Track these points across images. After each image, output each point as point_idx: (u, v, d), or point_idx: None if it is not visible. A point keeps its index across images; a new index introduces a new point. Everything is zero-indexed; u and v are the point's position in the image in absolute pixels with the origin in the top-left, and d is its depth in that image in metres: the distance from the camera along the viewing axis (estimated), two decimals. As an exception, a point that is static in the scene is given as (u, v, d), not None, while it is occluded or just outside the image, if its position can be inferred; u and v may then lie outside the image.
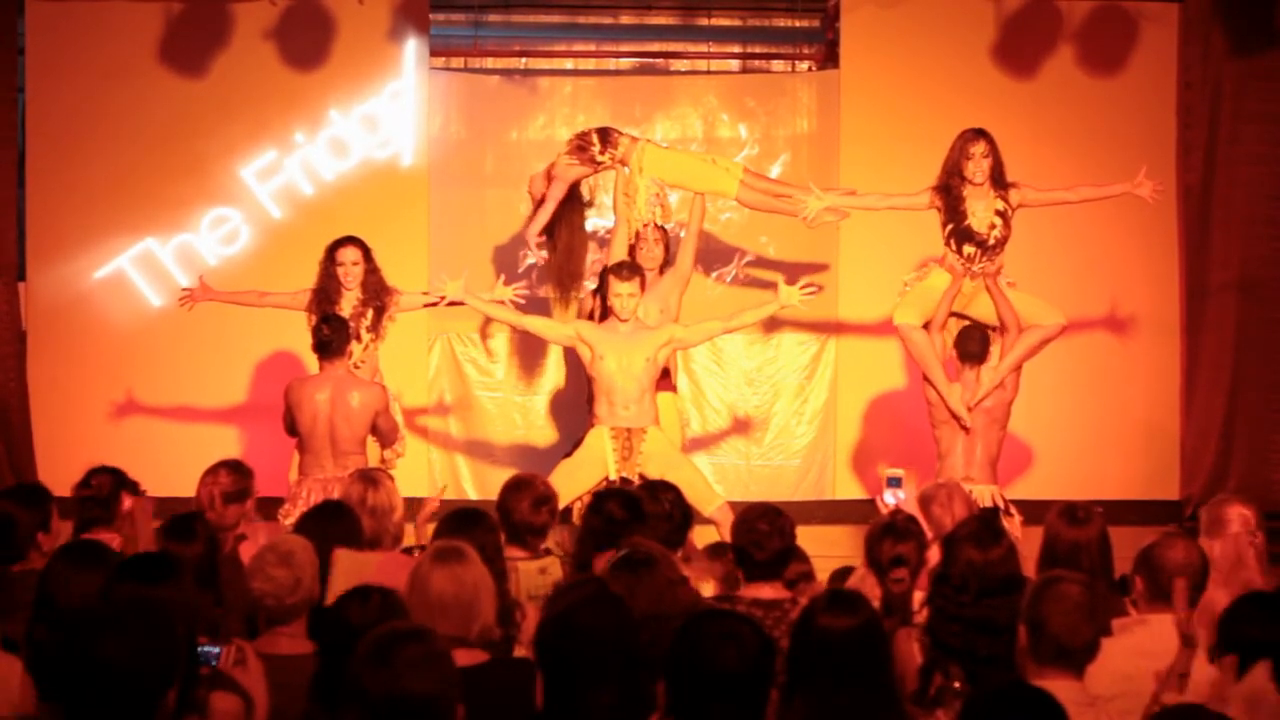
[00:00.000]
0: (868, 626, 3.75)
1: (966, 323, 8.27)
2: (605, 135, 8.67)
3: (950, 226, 8.19)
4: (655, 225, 8.61)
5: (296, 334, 8.39)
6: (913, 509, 5.78)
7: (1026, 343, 8.14)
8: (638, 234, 8.57)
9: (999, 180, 8.19)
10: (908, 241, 9.87)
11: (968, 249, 8.14)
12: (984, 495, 7.78)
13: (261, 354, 10.06)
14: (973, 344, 8.05)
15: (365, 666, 3.22)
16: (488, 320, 9.93)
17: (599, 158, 8.60)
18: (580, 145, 8.64)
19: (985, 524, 4.58)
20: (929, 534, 5.45)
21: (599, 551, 5.05)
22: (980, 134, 8.20)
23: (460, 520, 5.03)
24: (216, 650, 3.86)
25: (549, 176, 8.72)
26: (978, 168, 8.13)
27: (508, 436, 10.41)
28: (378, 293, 8.21)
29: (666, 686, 3.40)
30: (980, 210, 8.14)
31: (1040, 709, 3.21)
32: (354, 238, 8.27)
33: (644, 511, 5.39)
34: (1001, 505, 7.81)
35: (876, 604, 4.82)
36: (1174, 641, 4.31)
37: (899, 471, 6.01)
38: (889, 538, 5.13)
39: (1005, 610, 4.21)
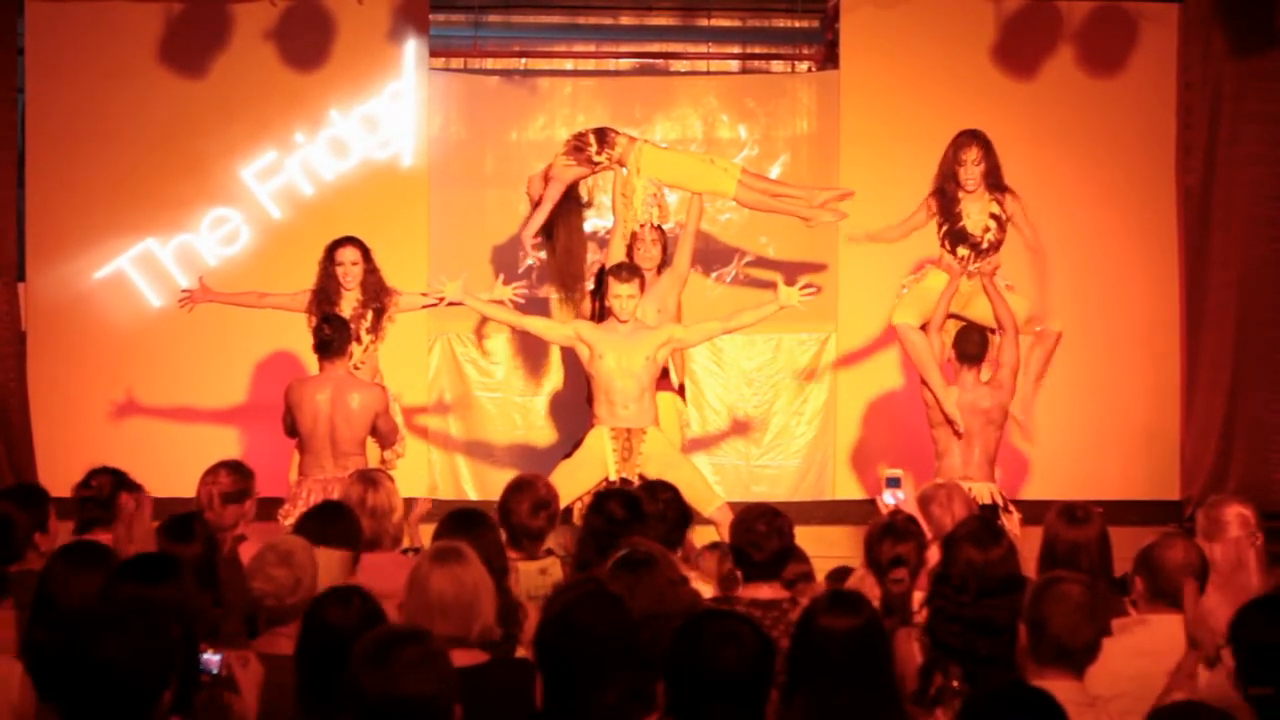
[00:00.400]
0: (869, 627, 3.75)
1: (965, 323, 8.27)
2: (602, 136, 8.66)
3: (945, 228, 8.22)
4: (653, 225, 8.60)
5: (296, 334, 8.39)
6: (912, 509, 5.78)
7: (1037, 359, 8.20)
8: (634, 234, 8.57)
9: (995, 183, 8.20)
10: (906, 243, 9.86)
11: (961, 250, 8.17)
12: (983, 493, 7.79)
13: (262, 354, 10.06)
14: (971, 345, 8.05)
15: (363, 668, 3.22)
16: (483, 321, 9.93)
17: (596, 158, 8.59)
18: (577, 146, 8.63)
19: (985, 524, 4.59)
20: (928, 534, 5.45)
21: (602, 554, 5.02)
22: (974, 138, 8.21)
23: (460, 520, 5.03)
24: (218, 658, 3.87)
25: (546, 178, 8.71)
26: (969, 174, 8.16)
27: (508, 437, 10.40)
28: (377, 294, 8.21)
29: (666, 686, 3.40)
30: (975, 213, 8.17)
31: (1040, 709, 3.21)
32: (353, 238, 8.28)
33: (644, 512, 5.39)
34: (1000, 503, 7.81)
35: (876, 604, 4.82)
36: (1174, 641, 4.31)
37: (898, 472, 6.01)
38: (888, 538, 5.13)
39: (1005, 610, 4.21)
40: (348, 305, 8.15)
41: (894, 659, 4.09)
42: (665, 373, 8.26)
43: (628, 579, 4.28)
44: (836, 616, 3.73)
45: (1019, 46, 10.22)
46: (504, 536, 5.31)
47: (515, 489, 5.62)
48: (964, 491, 6.23)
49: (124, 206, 10.14)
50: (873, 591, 5.00)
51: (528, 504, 5.53)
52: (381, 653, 3.23)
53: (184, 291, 8.68)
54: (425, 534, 6.69)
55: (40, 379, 10.10)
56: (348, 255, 8.19)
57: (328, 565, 4.67)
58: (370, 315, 8.19)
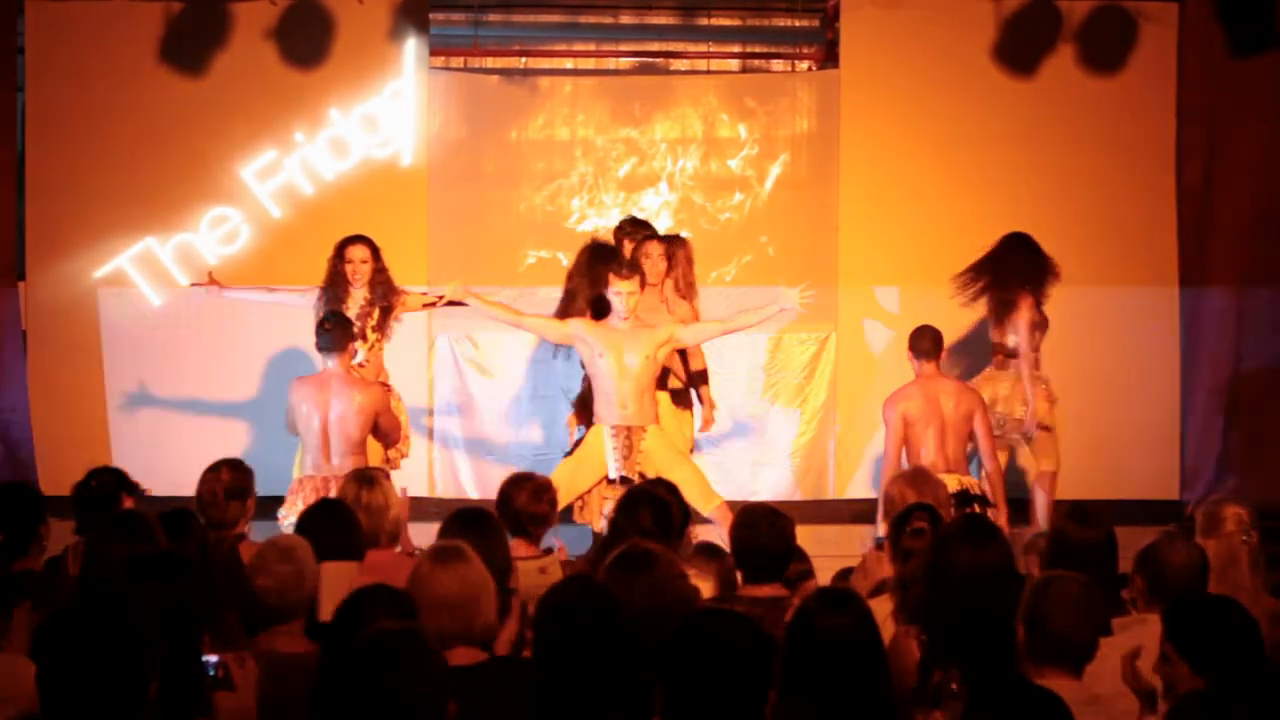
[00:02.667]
0: (861, 623, 3.70)
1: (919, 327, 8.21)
2: None
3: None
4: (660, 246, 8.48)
5: (298, 334, 8.39)
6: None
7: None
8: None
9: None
10: (905, 243, 9.87)
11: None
12: (971, 485, 7.72)
13: (262, 354, 10.05)
14: (925, 341, 8.01)
15: (356, 669, 3.22)
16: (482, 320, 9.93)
17: None
18: None
19: (979, 521, 4.59)
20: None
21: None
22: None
23: (464, 520, 5.02)
24: (215, 659, 3.88)
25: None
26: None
27: (508, 437, 10.40)
28: (385, 293, 8.22)
29: (664, 686, 3.39)
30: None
31: (1045, 708, 3.21)
32: (363, 236, 8.29)
33: (672, 525, 5.34)
34: (978, 493, 7.69)
35: (888, 582, 4.84)
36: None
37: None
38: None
39: (1000, 607, 4.20)
40: (355, 303, 8.16)
41: (892, 656, 4.08)
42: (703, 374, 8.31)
43: (627, 575, 4.28)
44: (831, 615, 3.68)
45: (1019, 46, 10.21)
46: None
47: (513, 480, 5.71)
48: (933, 474, 6.18)
49: (124, 206, 10.13)
50: (886, 569, 5.01)
51: (528, 491, 5.58)
52: (374, 654, 3.23)
53: (194, 286, 8.70)
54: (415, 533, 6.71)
55: (40, 379, 10.09)
56: (357, 254, 8.20)
57: (336, 578, 4.66)
58: (377, 313, 8.20)
